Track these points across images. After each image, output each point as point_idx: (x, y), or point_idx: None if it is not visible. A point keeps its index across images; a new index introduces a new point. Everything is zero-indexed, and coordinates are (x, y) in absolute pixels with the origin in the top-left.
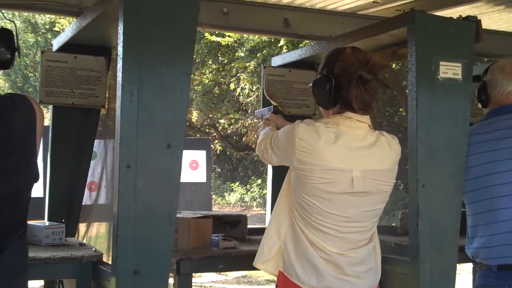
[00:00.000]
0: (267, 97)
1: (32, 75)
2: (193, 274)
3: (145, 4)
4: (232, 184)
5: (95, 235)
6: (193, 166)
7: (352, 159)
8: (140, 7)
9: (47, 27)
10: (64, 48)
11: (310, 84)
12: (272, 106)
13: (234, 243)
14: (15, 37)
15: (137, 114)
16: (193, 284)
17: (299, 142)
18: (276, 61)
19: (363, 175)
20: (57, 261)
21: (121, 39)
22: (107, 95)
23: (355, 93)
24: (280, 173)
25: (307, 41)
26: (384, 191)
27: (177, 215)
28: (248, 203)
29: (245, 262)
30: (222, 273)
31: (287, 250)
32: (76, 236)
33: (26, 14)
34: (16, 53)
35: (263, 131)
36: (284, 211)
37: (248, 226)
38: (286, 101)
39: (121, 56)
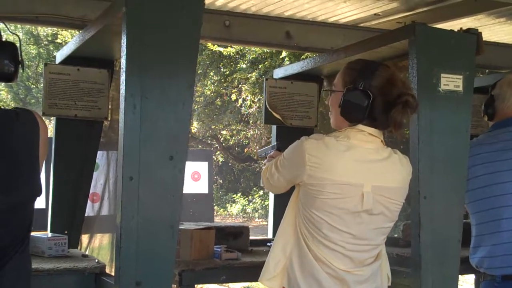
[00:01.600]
0: (269, 109)
1: (34, 86)
2: (196, 285)
3: (148, 17)
4: (234, 195)
5: (97, 246)
6: (195, 178)
7: (363, 173)
8: (142, 21)
9: (50, 39)
10: (67, 60)
11: (343, 91)
12: (275, 144)
13: (236, 254)
14: (19, 50)
15: (140, 126)
16: None
17: (309, 158)
18: (278, 73)
19: (373, 191)
20: (60, 272)
21: (124, 52)
22: (109, 107)
23: (400, 117)
24: None
25: (309, 53)
26: (393, 210)
27: (180, 227)
28: (250, 214)
29: (248, 273)
30: (224, 284)
31: (292, 267)
32: (78, 247)
33: (28, 26)
34: (20, 66)
35: (266, 164)
36: (290, 228)
37: (250, 238)
38: (288, 113)
39: (124, 69)
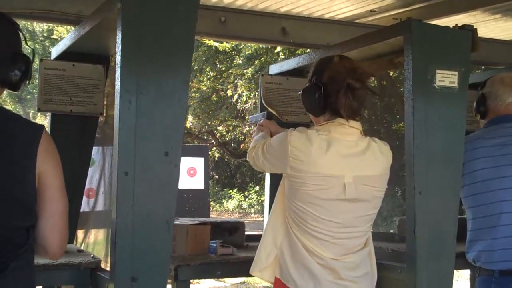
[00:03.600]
0: (265, 105)
1: (30, 82)
2: (191, 280)
3: (143, 13)
4: (230, 191)
5: (93, 241)
6: (191, 173)
7: (344, 165)
8: (138, 16)
9: (45, 34)
10: (62, 56)
11: (300, 92)
12: (266, 112)
13: (232, 249)
14: (31, 64)
15: (135, 122)
16: None
17: (292, 150)
18: (274, 69)
19: (355, 181)
20: (55, 267)
21: (119, 48)
22: (105, 103)
23: (344, 101)
24: (278, 180)
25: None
26: (377, 197)
27: (175, 222)
28: (246, 210)
29: (243, 268)
30: (220, 279)
31: (283, 257)
32: (74, 242)
33: (24, 22)
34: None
35: (255, 138)
36: (279, 218)
37: (246, 233)
38: (284, 109)
39: (119, 65)
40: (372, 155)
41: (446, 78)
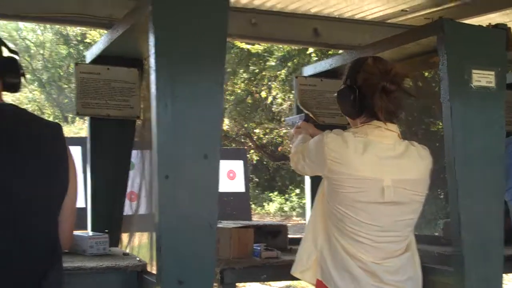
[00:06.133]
0: (301, 107)
1: (66, 86)
2: (237, 284)
3: (175, 15)
4: (271, 194)
5: (137, 245)
6: (231, 176)
7: (382, 168)
8: (169, 19)
9: (79, 38)
10: (97, 60)
11: (335, 94)
12: (303, 114)
13: (276, 253)
14: (18, 63)
15: (172, 125)
16: None
17: (329, 152)
18: (308, 70)
19: (394, 184)
20: (102, 270)
21: (152, 51)
22: (141, 106)
23: (379, 103)
24: (317, 182)
25: (335, 50)
26: (416, 201)
27: (218, 225)
28: (288, 213)
29: (287, 272)
30: (265, 283)
31: (324, 259)
32: (119, 245)
33: (58, 26)
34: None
35: (295, 143)
36: (319, 220)
37: (289, 236)
38: (320, 111)
39: (154, 68)
40: (410, 158)
41: (483, 78)
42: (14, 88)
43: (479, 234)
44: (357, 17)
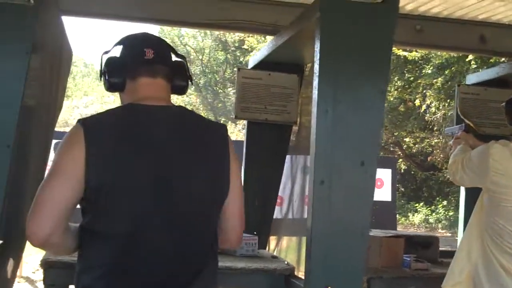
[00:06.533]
0: (461, 116)
1: (221, 91)
2: None
3: (341, 22)
4: (416, 205)
5: (285, 248)
6: (378, 185)
7: None
8: (336, 25)
9: (236, 45)
10: (259, 65)
11: (503, 104)
12: (463, 124)
13: (426, 265)
14: (187, 67)
15: (332, 131)
16: None
17: (493, 164)
18: (471, 79)
19: None
20: (251, 272)
21: (318, 57)
22: (298, 111)
23: None
24: (473, 195)
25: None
26: None
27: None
28: (433, 225)
29: (437, 285)
30: None
31: (478, 274)
32: (266, 248)
33: (217, 32)
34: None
35: (454, 153)
36: (475, 234)
37: (440, 249)
38: (481, 121)
39: (317, 74)
40: None
41: None
42: (182, 90)
43: None
44: None
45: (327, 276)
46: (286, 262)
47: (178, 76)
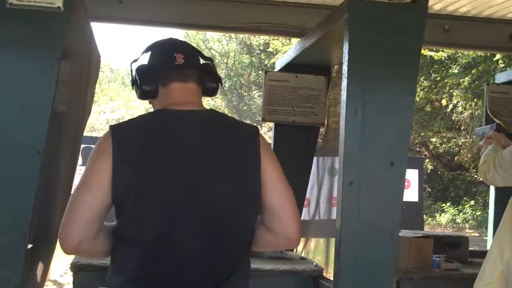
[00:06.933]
0: (491, 115)
1: (246, 94)
2: None
3: (370, 23)
4: (443, 205)
5: (313, 249)
6: (405, 185)
7: None
8: (364, 26)
9: (261, 48)
10: (286, 68)
11: None
12: (494, 124)
13: (456, 265)
14: (215, 69)
15: (361, 132)
16: None
17: None
18: (500, 78)
19: None
20: (279, 273)
21: (346, 58)
22: (326, 113)
23: None
24: (503, 195)
25: None
26: None
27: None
28: (460, 225)
29: (468, 285)
30: None
31: (510, 273)
32: (294, 250)
33: (242, 36)
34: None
35: (485, 152)
36: (507, 234)
37: (470, 248)
38: (511, 119)
39: (346, 75)
40: None
41: None
42: (213, 92)
43: None
44: None
45: (356, 277)
46: (314, 264)
47: (208, 78)
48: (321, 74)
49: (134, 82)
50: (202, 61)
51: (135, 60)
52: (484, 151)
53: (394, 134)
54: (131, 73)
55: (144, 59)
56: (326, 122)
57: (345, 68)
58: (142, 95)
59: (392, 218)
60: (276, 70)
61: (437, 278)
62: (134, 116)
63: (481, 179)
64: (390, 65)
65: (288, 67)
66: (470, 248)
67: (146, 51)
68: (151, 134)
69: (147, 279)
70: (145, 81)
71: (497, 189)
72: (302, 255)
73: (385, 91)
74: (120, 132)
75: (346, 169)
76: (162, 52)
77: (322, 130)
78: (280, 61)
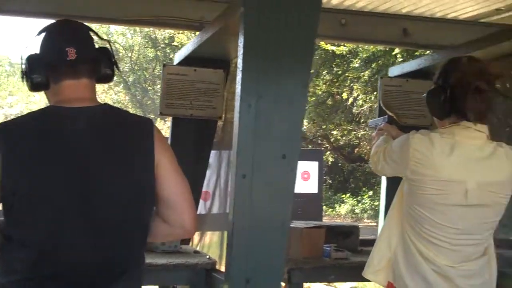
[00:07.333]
0: (383, 108)
1: (150, 88)
2: (304, 284)
3: (265, 17)
4: (343, 196)
5: (208, 243)
6: (305, 177)
7: (467, 170)
8: (260, 20)
9: (166, 42)
10: (184, 61)
11: (424, 95)
12: (386, 116)
13: (346, 253)
14: (111, 53)
15: (254, 125)
16: None
17: (414, 153)
18: (394, 71)
19: (479, 187)
20: (172, 267)
21: (241, 51)
22: (224, 107)
23: (471, 104)
24: (393, 184)
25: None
26: (500, 203)
27: (290, 225)
28: (359, 215)
29: (357, 273)
30: (330, 284)
31: (397, 261)
32: (190, 244)
33: (146, 29)
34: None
35: (376, 143)
36: (395, 222)
37: (361, 237)
38: (403, 112)
39: (240, 69)
40: (498, 160)
41: None
42: (107, 79)
43: None
44: (449, 16)
45: (248, 268)
46: (207, 257)
47: (103, 64)
48: (220, 68)
49: (24, 73)
50: (98, 45)
51: (25, 47)
52: (375, 142)
53: (287, 127)
54: (21, 61)
55: (35, 47)
56: (224, 116)
57: (240, 61)
58: (32, 87)
59: (284, 210)
60: (175, 64)
61: (327, 267)
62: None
63: None
64: (284, 59)
65: (187, 61)
66: (364, 237)
67: (38, 34)
68: (40, 133)
69: (35, 280)
70: (36, 72)
71: (388, 180)
72: (198, 248)
73: (279, 85)
74: (9, 129)
75: (239, 162)
76: (54, 43)
77: (220, 123)
78: (178, 55)
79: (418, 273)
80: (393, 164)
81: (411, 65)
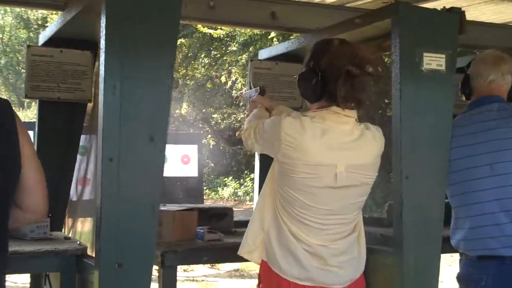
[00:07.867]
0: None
1: (24, 71)
2: (186, 268)
3: None
4: (226, 179)
5: (80, 229)
6: (185, 161)
7: (337, 154)
8: (122, 1)
9: (39, 22)
10: (50, 42)
11: (296, 76)
12: (258, 88)
13: (219, 235)
14: None
15: (119, 107)
16: (185, 277)
17: (285, 137)
18: (263, 54)
19: (347, 169)
20: (41, 254)
21: (103, 32)
22: (93, 90)
23: (342, 88)
24: (267, 163)
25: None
26: (367, 184)
27: (163, 208)
28: (242, 198)
29: (231, 254)
30: (214, 266)
31: (270, 241)
32: (63, 230)
33: (18, 10)
34: None
35: (248, 118)
36: (267, 202)
37: (236, 219)
38: (273, 94)
39: (104, 50)
40: (365, 143)
41: (433, 61)
42: None
43: (419, 216)
44: (316, 1)
45: (118, 253)
46: (78, 242)
47: None
48: (87, 49)
49: None
50: None
51: None
52: (248, 117)
53: (154, 108)
54: None
55: None
56: (93, 99)
57: (102, 42)
58: None
59: (153, 192)
60: (39, 44)
61: (201, 249)
62: None
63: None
64: (148, 39)
65: (53, 42)
66: (238, 219)
67: None
68: None
69: None
70: None
71: (261, 158)
72: (70, 235)
73: (144, 65)
74: None
75: (106, 145)
76: None
77: (90, 106)
78: (43, 36)
79: (290, 252)
80: (264, 143)
81: (278, 48)
